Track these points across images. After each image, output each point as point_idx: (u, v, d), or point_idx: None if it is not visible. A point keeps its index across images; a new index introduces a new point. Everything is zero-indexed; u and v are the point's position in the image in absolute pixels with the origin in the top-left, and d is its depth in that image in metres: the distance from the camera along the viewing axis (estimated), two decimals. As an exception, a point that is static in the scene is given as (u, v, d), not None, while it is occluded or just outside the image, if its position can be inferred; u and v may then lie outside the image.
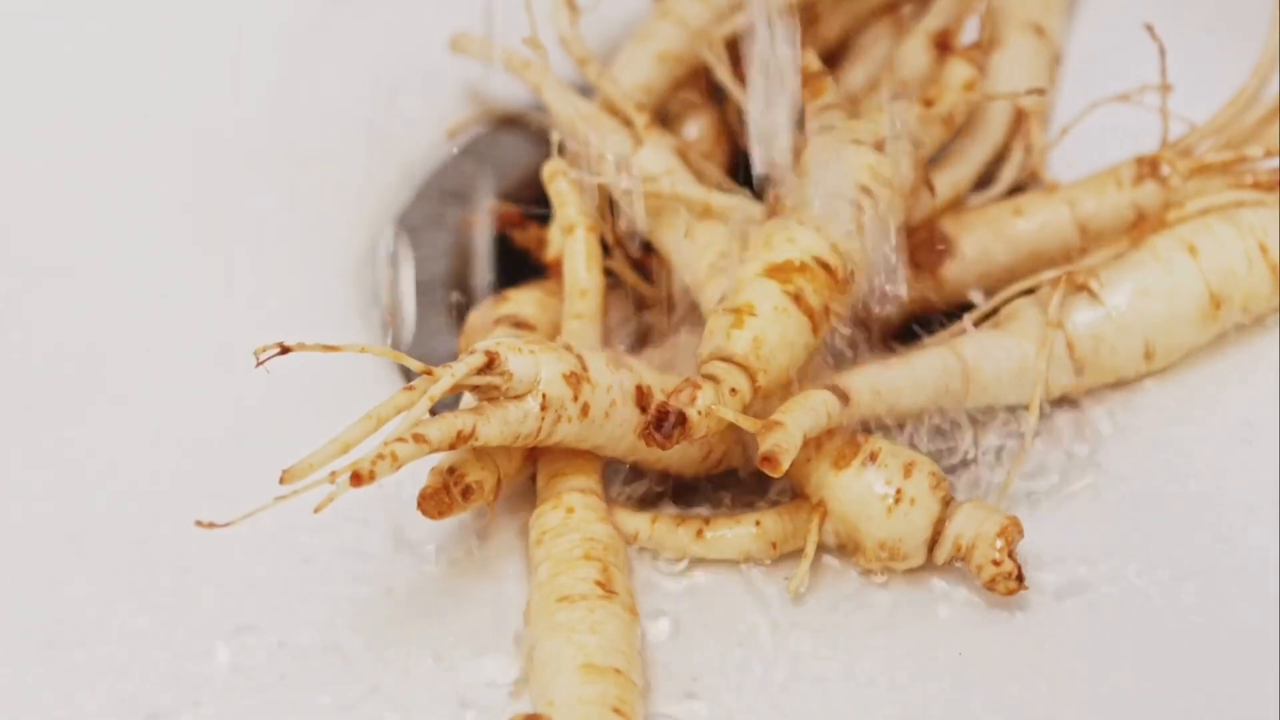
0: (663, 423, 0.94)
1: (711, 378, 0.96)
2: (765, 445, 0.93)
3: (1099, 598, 0.99)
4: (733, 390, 0.96)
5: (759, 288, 0.99)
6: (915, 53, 1.19)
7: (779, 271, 1.00)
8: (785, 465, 0.93)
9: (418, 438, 0.92)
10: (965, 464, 1.05)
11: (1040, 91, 1.17)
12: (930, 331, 1.07)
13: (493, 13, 1.20)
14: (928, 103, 1.10)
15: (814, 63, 1.11)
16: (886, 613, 0.99)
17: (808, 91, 1.09)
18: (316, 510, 0.89)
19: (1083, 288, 1.06)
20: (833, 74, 1.24)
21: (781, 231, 1.02)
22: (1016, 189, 1.16)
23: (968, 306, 1.08)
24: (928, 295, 1.11)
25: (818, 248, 1.01)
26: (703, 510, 1.04)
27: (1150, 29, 1.08)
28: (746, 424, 0.94)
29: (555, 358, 0.97)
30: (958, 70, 1.12)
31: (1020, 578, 0.97)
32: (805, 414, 0.96)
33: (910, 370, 1.02)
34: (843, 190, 1.03)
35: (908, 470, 0.99)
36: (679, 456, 1.02)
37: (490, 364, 0.95)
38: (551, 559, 0.97)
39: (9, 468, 1.06)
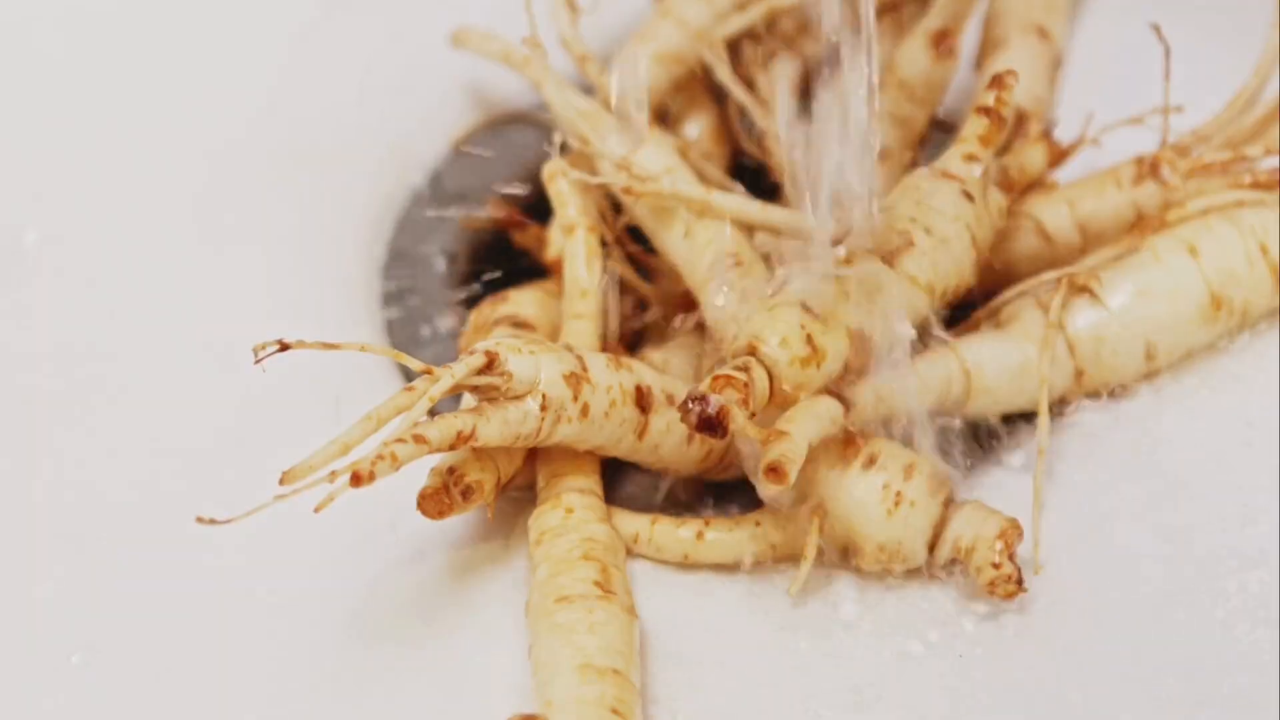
0: (715, 425, 0.93)
1: (748, 379, 0.95)
2: (771, 456, 0.93)
3: (1098, 599, 0.99)
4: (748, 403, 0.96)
5: (838, 340, 0.98)
6: (915, 53, 1.19)
7: (860, 340, 0.99)
8: (793, 476, 0.93)
9: (417, 438, 0.92)
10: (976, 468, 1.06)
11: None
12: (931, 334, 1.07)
13: (494, 11, 1.20)
14: (1007, 185, 1.09)
15: (1008, 108, 1.07)
16: (885, 615, 0.99)
17: (991, 134, 1.06)
18: (316, 510, 0.89)
19: (1083, 289, 1.06)
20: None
21: (888, 296, 1.00)
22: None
23: (968, 309, 1.08)
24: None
25: (892, 330, 1.00)
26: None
27: (1157, 29, 1.08)
28: (753, 433, 0.94)
29: (555, 358, 0.97)
30: (1037, 154, 1.12)
31: (1020, 580, 0.97)
32: (810, 422, 0.96)
33: (912, 374, 1.01)
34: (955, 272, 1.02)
35: (908, 472, 0.99)
36: (678, 456, 1.02)
37: (490, 364, 0.95)
38: (550, 559, 0.97)
39: (9, 466, 1.06)
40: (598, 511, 1.00)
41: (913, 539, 0.99)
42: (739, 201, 1.09)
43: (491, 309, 1.11)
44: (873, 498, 0.99)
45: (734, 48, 1.19)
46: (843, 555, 1.01)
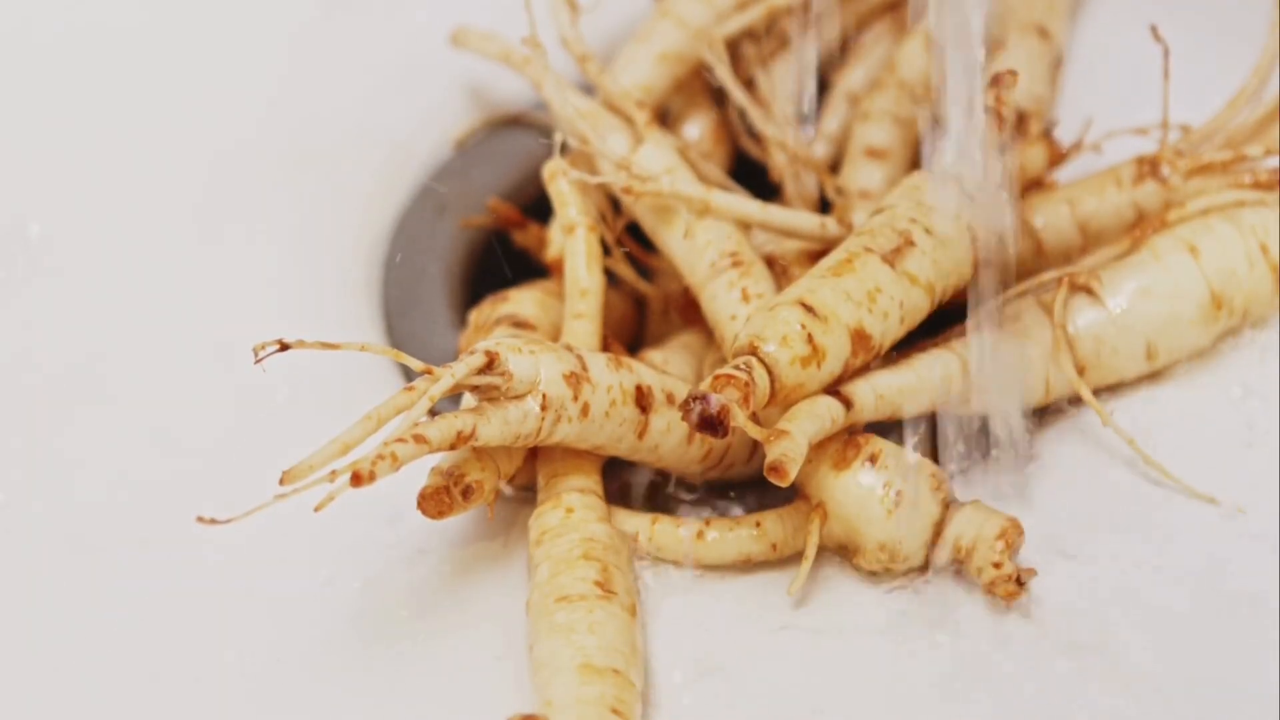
0: (716, 424, 0.93)
1: (748, 379, 0.95)
2: (773, 455, 0.93)
3: (1098, 599, 0.99)
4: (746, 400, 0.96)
5: (838, 339, 0.98)
6: (915, 53, 1.19)
7: (860, 337, 0.99)
8: (793, 475, 0.93)
9: (418, 438, 0.92)
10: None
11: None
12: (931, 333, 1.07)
13: (494, 12, 1.20)
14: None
15: (1008, 108, 1.06)
16: (886, 615, 0.99)
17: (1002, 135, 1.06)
18: (316, 510, 0.89)
19: (1084, 289, 1.06)
20: (833, 74, 1.24)
21: (888, 296, 1.00)
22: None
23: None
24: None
25: (891, 330, 1.00)
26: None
27: (1154, 30, 1.08)
28: (754, 432, 0.94)
29: (555, 358, 0.97)
30: (1037, 154, 1.12)
31: (1020, 580, 0.97)
32: (811, 422, 0.96)
33: (912, 374, 1.01)
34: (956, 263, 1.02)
35: (908, 472, 0.99)
36: (678, 456, 1.02)
37: (490, 364, 0.95)
38: (551, 559, 0.97)
39: (9, 467, 1.06)
40: (598, 511, 1.00)
41: (913, 539, 0.99)
42: (739, 201, 1.09)
43: (491, 309, 1.11)
44: (873, 497, 0.99)
45: (734, 48, 1.19)
46: (843, 555, 1.01)
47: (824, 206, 1.17)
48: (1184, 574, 0.99)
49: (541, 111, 1.23)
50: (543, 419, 0.96)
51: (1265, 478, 1.03)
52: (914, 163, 1.17)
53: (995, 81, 1.06)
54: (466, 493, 0.96)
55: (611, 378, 0.99)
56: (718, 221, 1.08)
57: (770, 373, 0.96)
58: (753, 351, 0.97)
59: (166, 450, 1.07)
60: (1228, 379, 1.08)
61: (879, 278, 1.00)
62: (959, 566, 0.99)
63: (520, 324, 1.09)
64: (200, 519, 0.89)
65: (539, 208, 1.16)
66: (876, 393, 1.00)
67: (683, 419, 0.94)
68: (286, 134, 1.24)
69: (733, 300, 1.05)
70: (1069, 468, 1.05)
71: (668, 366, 1.07)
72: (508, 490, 1.03)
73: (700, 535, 1.01)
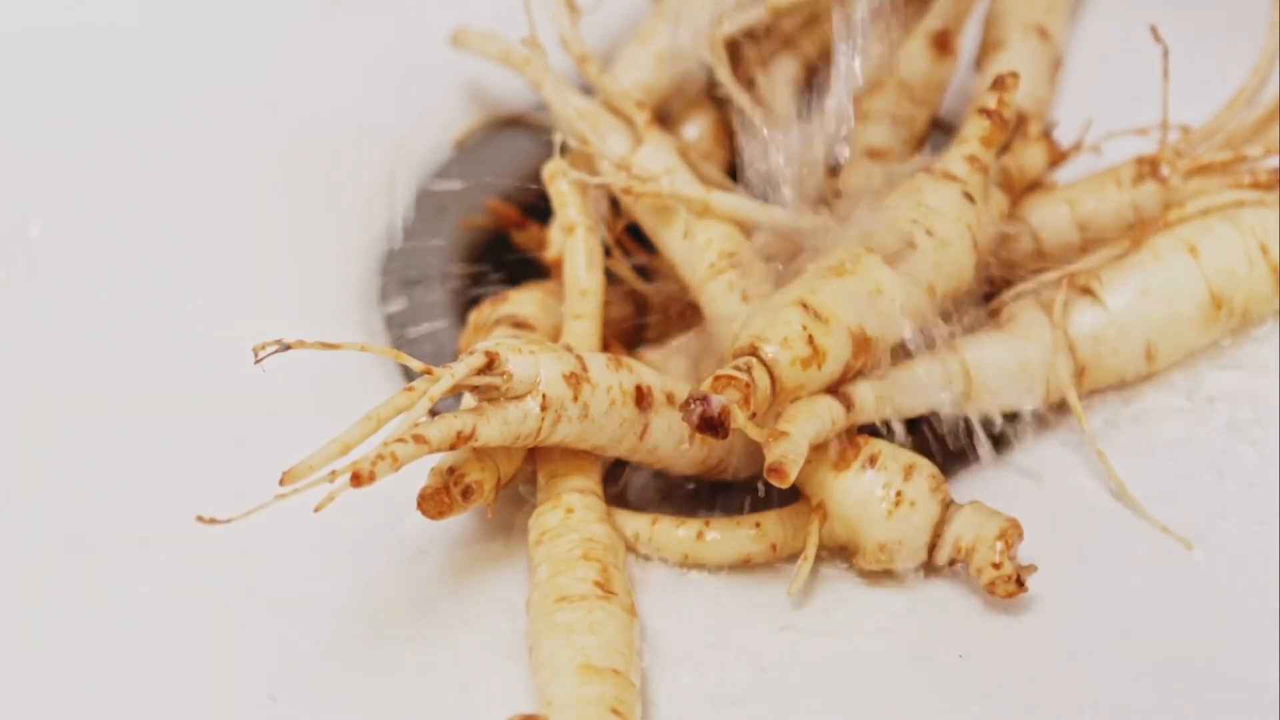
0: (716, 425, 0.93)
1: (749, 380, 0.95)
2: (773, 456, 0.93)
3: (1098, 600, 0.99)
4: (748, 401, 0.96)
5: (839, 340, 0.98)
6: (915, 53, 1.19)
7: (860, 340, 0.99)
8: (793, 476, 0.93)
9: (417, 438, 0.92)
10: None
11: None
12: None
13: (494, 11, 1.20)
14: (1007, 185, 1.09)
15: (1009, 110, 1.07)
16: (885, 615, 0.99)
17: (993, 136, 1.07)
18: (316, 510, 0.89)
19: (1084, 289, 1.06)
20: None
21: (889, 297, 1.00)
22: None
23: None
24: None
25: (893, 331, 1.00)
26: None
27: (1154, 30, 1.08)
28: (754, 433, 0.94)
29: (555, 358, 0.97)
30: (1036, 155, 1.12)
31: (1020, 580, 0.97)
32: (811, 422, 0.96)
33: (913, 374, 1.01)
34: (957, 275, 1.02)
35: (908, 473, 0.99)
36: (678, 457, 1.02)
37: (490, 364, 0.95)
38: (551, 559, 0.97)
39: (9, 467, 1.06)
40: (598, 511, 1.00)
41: (913, 539, 0.99)
42: (739, 201, 1.09)
43: (491, 309, 1.11)
44: (873, 498, 0.99)
45: (734, 48, 1.19)
46: (843, 555, 1.01)
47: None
48: (1184, 573, 0.99)
49: (541, 111, 1.23)
50: (543, 419, 0.96)
51: (1265, 477, 1.03)
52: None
53: (996, 83, 1.06)
54: (466, 493, 0.96)
55: (611, 378, 0.99)
56: (718, 222, 1.08)
57: (771, 374, 0.96)
58: (753, 352, 0.97)
59: (166, 450, 1.07)
60: (1227, 379, 1.08)
61: (880, 279, 1.00)
62: (959, 567, 1.00)
63: (520, 324, 1.09)
64: (200, 519, 0.89)
65: (539, 208, 1.16)
66: (877, 393, 1.00)
67: (683, 420, 0.94)
68: (286, 134, 1.24)
69: (732, 301, 1.05)
70: (1070, 466, 1.05)
71: (667, 367, 1.07)
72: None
73: (700, 535, 1.01)
